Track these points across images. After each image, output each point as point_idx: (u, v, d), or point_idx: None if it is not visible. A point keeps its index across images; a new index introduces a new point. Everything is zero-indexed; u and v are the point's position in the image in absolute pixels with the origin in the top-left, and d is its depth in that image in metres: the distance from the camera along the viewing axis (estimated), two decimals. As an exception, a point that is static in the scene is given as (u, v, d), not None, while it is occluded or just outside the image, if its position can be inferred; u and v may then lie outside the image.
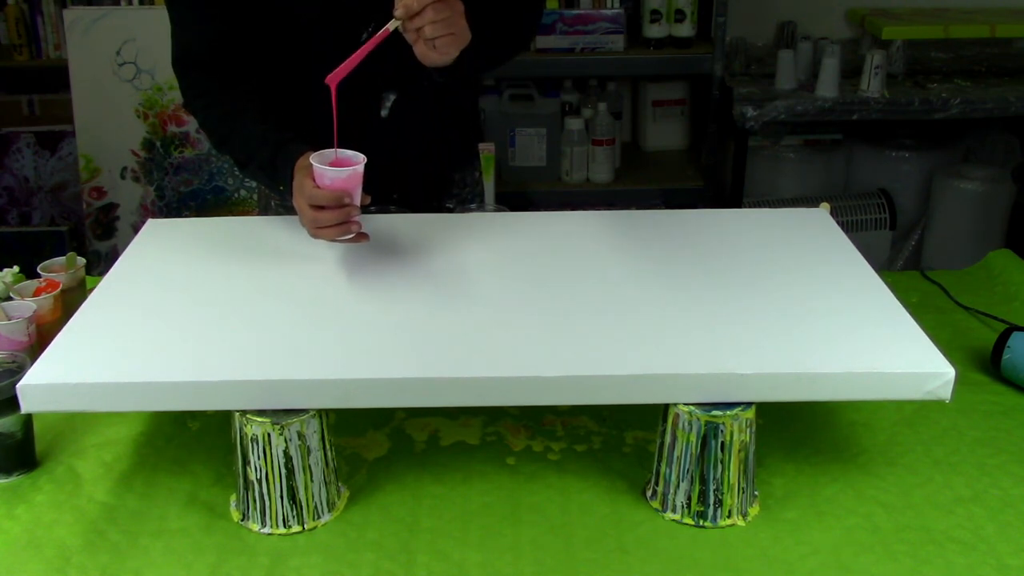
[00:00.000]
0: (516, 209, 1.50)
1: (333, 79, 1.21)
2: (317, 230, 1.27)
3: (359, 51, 1.21)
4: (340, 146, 1.25)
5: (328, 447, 1.09)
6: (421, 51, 1.25)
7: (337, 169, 1.23)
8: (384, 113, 1.50)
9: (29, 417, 1.16)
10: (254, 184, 2.78)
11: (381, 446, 1.22)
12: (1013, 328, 1.35)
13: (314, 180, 1.24)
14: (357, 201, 1.25)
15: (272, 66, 1.46)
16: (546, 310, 1.17)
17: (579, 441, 1.22)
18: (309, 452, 1.06)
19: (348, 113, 1.25)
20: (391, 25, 1.22)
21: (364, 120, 1.25)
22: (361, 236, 1.28)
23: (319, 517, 1.09)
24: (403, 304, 1.20)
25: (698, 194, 2.97)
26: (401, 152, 1.54)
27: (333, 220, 1.24)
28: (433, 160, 1.61)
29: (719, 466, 1.05)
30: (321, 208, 1.24)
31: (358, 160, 1.24)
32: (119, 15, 2.82)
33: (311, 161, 1.24)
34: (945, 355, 1.06)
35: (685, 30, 2.90)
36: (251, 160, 1.40)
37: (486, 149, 1.55)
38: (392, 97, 1.49)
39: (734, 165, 2.94)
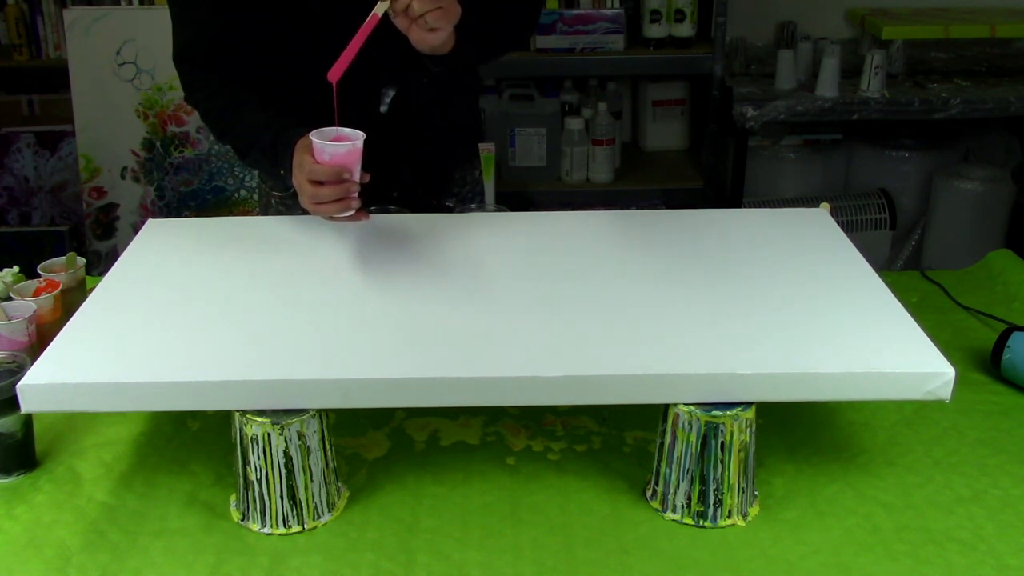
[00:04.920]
0: (516, 209, 1.50)
1: (334, 75, 1.21)
2: (316, 206, 1.27)
3: (353, 41, 1.21)
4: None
5: (328, 447, 1.09)
6: (416, 36, 1.25)
7: (336, 144, 1.24)
8: (383, 109, 1.50)
9: (29, 417, 1.16)
10: (254, 184, 2.79)
11: (381, 446, 1.22)
12: (1013, 328, 1.35)
13: (314, 156, 1.25)
14: (357, 177, 1.26)
15: (272, 61, 1.46)
16: (546, 310, 1.17)
17: (579, 441, 1.22)
18: (309, 452, 1.06)
19: (347, 108, 1.25)
20: (378, 9, 1.21)
21: (363, 116, 1.26)
22: (360, 213, 1.29)
23: (319, 517, 1.09)
24: (403, 304, 1.20)
25: (698, 194, 2.97)
26: (400, 148, 1.54)
27: (332, 196, 1.25)
28: (433, 157, 1.61)
29: (719, 466, 1.05)
30: (320, 183, 1.25)
31: (357, 137, 1.25)
32: (119, 15, 2.82)
33: (310, 137, 1.24)
34: (945, 355, 1.06)
35: (685, 30, 2.90)
36: (252, 146, 1.41)
37: (486, 149, 1.55)
38: (391, 93, 1.49)
39: (734, 165, 2.94)
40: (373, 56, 1.25)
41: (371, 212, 1.49)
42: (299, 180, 1.28)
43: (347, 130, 1.25)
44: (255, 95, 1.44)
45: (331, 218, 1.30)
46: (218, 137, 1.51)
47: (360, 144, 1.24)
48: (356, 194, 1.26)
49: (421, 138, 1.57)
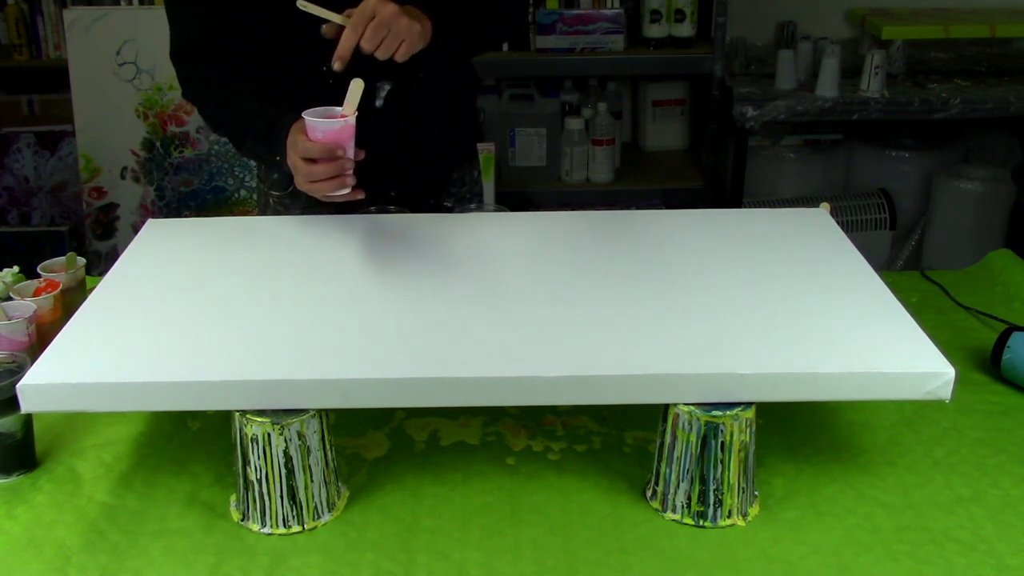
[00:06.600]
0: (516, 209, 1.50)
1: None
2: (311, 184, 1.28)
3: (340, 126, 1.26)
4: None
5: (328, 447, 1.09)
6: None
7: (329, 121, 1.24)
8: (379, 103, 1.50)
9: (29, 417, 1.16)
10: (254, 184, 2.79)
11: (381, 446, 1.22)
12: (1013, 328, 1.35)
13: (307, 135, 1.25)
14: (351, 154, 1.27)
15: (268, 56, 1.47)
16: (546, 310, 1.17)
17: (579, 441, 1.22)
18: (309, 452, 1.06)
19: (342, 102, 1.26)
20: (352, 89, 1.26)
21: (359, 109, 1.27)
22: (356, 191, 1.30)
23: (319, 517, 1.09)
24: (403, 304, 1.20)
25: (698, 194, 2.97)
26: (397, 144, 1.54)
27: (326, 173, 1.26)
28: (430, 155, 1.61)
29: (719, 466, 1.05)
30: (314, 161, 1.26)
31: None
32: (119, 15, 2.82)
33: (303, 116, 1.25)
34: (945, 355, 1.06)
35: (685, 30, 2.90)
36: (248, 135, 1.42)
37: (486, 149, 1.55)
38: (387, 87, 1.49)
39: (734, 165, 2.94)
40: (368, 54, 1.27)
41: (371, 212, 1.49)
42: (293, 159, 1.29)
43: (339, 108, 1.26)
44: (249, 85, 1.45)
45: (326, 197, 1.30)
46: (214, 129, 1.52)
47: (352, 121, 1.25)
48: (351, 171, 1.27)
49: (417, 133, 1.57)
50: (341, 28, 1.27)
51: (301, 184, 1.30)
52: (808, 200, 2.93)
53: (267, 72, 1.47)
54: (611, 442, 1.22)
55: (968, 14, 3.03)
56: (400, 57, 1.28)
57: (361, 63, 1.27)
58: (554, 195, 3.01)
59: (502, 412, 1.27)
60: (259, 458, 1.05)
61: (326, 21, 1.28)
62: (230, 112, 1.45)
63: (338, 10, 1.30)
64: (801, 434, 1.23)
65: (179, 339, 1.12)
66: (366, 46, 1.25)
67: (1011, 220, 2.97)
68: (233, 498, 1.12)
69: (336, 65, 1.25)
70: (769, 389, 1.05)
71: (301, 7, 1.27)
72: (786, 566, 1.01)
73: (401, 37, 1.26)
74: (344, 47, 1.25)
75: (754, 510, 1.09)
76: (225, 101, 1.45)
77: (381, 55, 1.26)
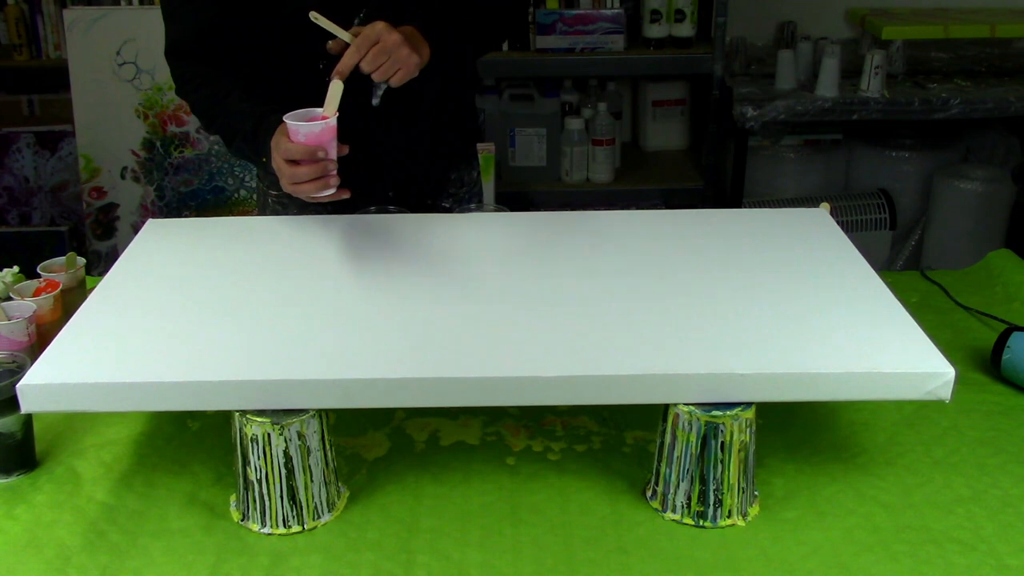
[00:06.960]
0: (516, 209, 1.50)
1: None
2: (295, 186, 1.29)
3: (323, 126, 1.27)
4: None
5: (328, 447, 1.09)
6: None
7: (309, 123, 1.25)
8: (375, 102, 1.50)
9: (29, 417, 1.16)
10: (254, 184, 2.79)
11: (381, 446, 1.22)
12: (1013, 328, 1.35)
13: (289, 137, 1.26)
14: (333, 155, 1.27)
15: (261, 52, 1.47)
16: (546, 310, 1.17)
17: (579, 441, 1.22)
18: (309, 452, 1.06)
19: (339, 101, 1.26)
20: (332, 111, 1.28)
21: (355, 108, 1.28)
22: (341, 191, 1.30)
23: (319, 517, 1.09)
24: (403, 304, 1.20)
25: (698, 194, 2.97)
26: (395, 143, 1.54)
27: (309, 175, 1.27)
28: (428, 155, 1.61)
29: (719, 466, 1.05)
30: (297, 163, 1.27)
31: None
32: (119, 15, 2.82)
33: (284, 119, 1.26)
34: (945, 355, 1.06)
35: (685, 30, 2.90)
36: (236, 134, 1.43)
37: (486, 149, 1.55)
38: (383, 85, 1.50)
39: (734, 165, 2.94)
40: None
41: (371, 212, 1.49)
42: (277, 162, 1.30)
43: (320, 110, 1.27)
44: (240, 84, 1.46)
45: (311, 198, 1.31)
46: (205, 127, 1.53)
47: (333, 122, 1.26)
48: (334, 172, 1.28)
49: (414, 132, 1.57)
50: (346, 45, 1.28)
51: (286, 186, 1.31)
52: (808, 200, 2.93)
53: (262, 70, 1.48)
54: (611, 442, 1.22)
55: (968, 14, 3.03)
56: (395, 83, 1.31)
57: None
58: (554, 195, 3.01)
59: (502, 412, 1.27)
60: (259, 458, 1.05)
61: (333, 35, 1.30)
62: (220, 111, 1.46)
63: (345, 23, 1.31)
64: (801, 434, 1.23)
65: (179, 339, 1.12)
66: (365, 67, 1.28)
67: (1011, 220, 2.97)
68: (233, 498, 1.12)
69: (335, 79, 1.28)
70: (769, 389, 1.05)
71: (313, 19, 1.29)
72: (786, 566, 1.01)
73: (399, 65, 1.30)
74: (345, 64, 1.28)
75: (754, 510, 1.09)
76: (216, 100, 1.46)
77: (378, 79, 1.30)
